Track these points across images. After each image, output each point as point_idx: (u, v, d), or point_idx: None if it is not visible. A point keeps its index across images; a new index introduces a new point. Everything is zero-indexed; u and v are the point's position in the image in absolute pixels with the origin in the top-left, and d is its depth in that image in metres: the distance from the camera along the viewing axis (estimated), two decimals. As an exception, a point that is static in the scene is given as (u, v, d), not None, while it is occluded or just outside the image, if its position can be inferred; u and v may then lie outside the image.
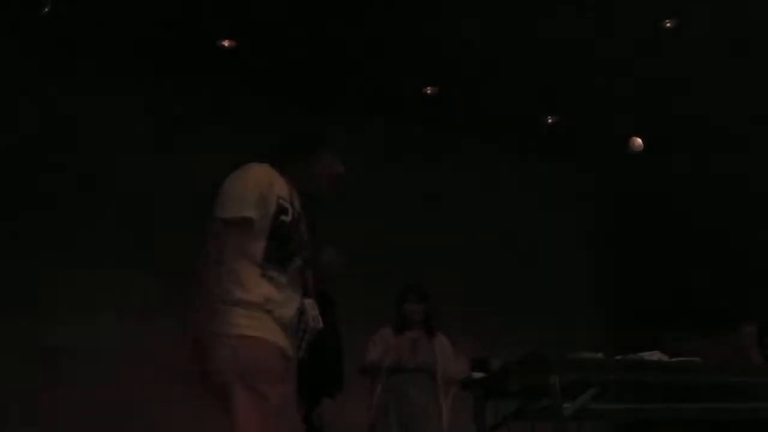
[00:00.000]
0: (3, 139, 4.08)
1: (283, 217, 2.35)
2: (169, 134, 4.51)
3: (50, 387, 3.88)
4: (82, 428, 3.78)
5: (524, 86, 5.11)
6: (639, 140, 3.34)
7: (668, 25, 4.45)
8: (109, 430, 3.86)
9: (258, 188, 2.37)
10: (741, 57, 4.77)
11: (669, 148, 5.53)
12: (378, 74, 4.89)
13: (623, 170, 5.90)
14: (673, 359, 2.81)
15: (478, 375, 2.82)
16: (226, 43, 4.45)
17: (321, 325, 2.34)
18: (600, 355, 2.68)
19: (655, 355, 2.80)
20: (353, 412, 3.35)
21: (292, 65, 4.72)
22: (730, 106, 5.14)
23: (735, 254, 5.36)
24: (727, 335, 3.05)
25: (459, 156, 5.53)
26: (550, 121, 5.52)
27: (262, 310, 2.31)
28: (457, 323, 4.12)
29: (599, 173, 6.15)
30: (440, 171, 5.43)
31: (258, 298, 2.31)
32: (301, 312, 2.35)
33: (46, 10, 3.94)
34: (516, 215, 5.57)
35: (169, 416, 3.89)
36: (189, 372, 2.18)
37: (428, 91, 5.07)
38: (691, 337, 3.01)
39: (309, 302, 2.37)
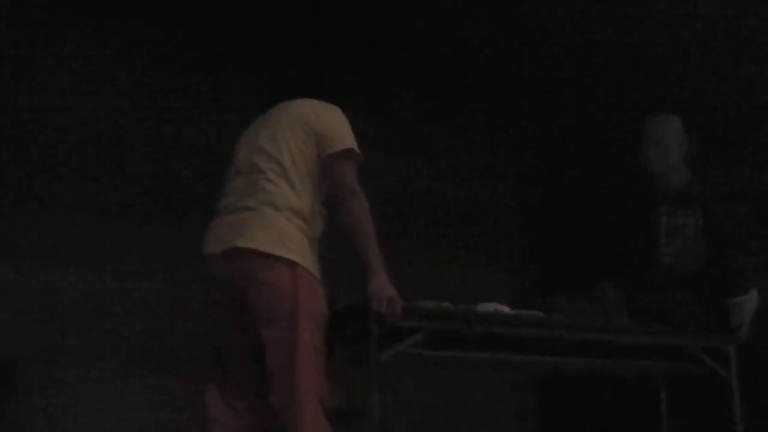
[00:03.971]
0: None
1: None
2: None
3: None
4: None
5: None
6: None
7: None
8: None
9: None
10: None
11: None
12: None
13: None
14: (512, 312, 2.80)
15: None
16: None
17: None
18: (430, 302, 2.69)
19: (490, 307, 2.78)
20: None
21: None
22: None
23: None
24: (592, 296, 3.05)
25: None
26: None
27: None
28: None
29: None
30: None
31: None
32: None
33: None
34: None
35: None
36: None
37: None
38: (562, 299, 3.02)
39: None
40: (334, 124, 2.46)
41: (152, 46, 4.53)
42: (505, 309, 2.81)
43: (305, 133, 2.43)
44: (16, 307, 3.89)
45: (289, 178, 2.39)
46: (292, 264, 2.29)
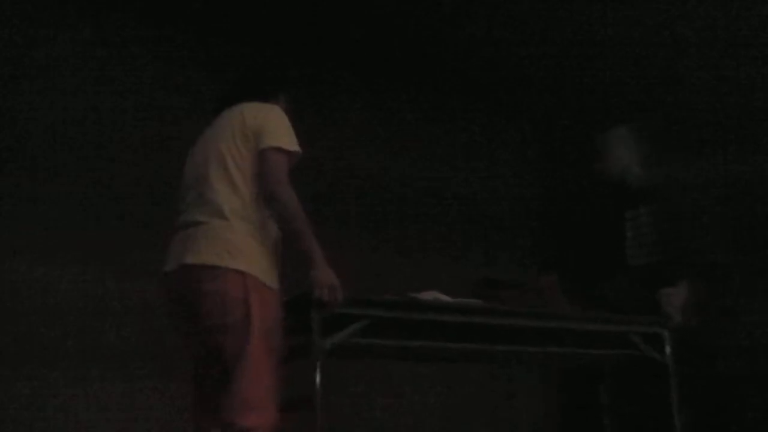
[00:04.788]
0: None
1: None
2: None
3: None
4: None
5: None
6: None
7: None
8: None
9: None
10: None
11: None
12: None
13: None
14: (452, 300, 2.86)
15: None
16: None
17: None
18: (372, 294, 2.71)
19: (430, 295, 2.83)
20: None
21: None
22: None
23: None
24: (534, 286, 3.17)
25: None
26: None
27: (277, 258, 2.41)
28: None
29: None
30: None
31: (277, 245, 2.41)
32: None
33: None
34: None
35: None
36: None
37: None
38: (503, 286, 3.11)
39: None
40: (267, 121, 2.45)
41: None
42: (445, 298, 2.87)
43: (243, 136, 2.43)
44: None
45: (234, 185, 2.38)
46: (240, 273, 2.28)
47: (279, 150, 2.40)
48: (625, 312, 3.20)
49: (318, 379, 2.48)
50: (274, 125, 2.44)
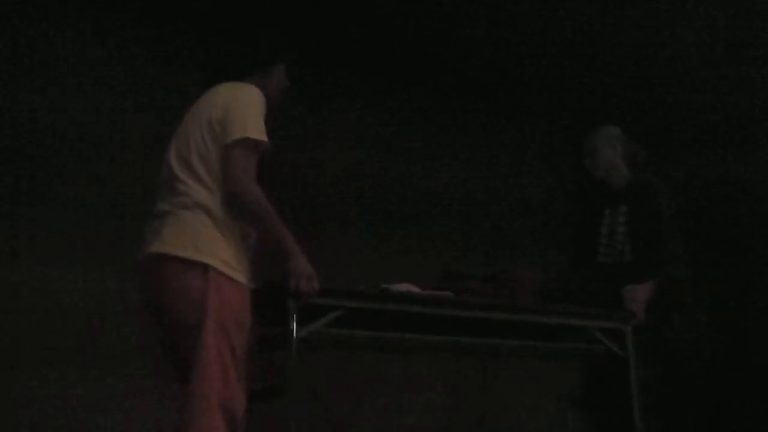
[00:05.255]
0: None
1: None
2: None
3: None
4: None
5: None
6: None
7: None
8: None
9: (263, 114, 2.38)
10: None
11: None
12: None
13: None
14: (425, 292, 2.91)
15: None
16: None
17: None
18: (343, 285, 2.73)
19: (403, 287, 2.87)
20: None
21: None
22: None
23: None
24: (505, 280, 3.22)
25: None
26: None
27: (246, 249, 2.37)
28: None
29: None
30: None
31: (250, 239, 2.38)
32: None
33: None
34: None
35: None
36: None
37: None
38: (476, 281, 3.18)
39: None
40: (232, 108, 2.36)
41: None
42: (416, 290, 2.90)
43: (209, 127, 2.37)
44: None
45: (199, 177, 2.33)
46: (204, 267, 2.24)
47: (243, 143, 2.31)
48: (584, 307, 3.28)
49: (293, 367, 2.50)
50: (239, 113, 2.35)
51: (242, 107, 2.37)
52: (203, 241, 2.27)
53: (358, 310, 2.68)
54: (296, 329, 2.50)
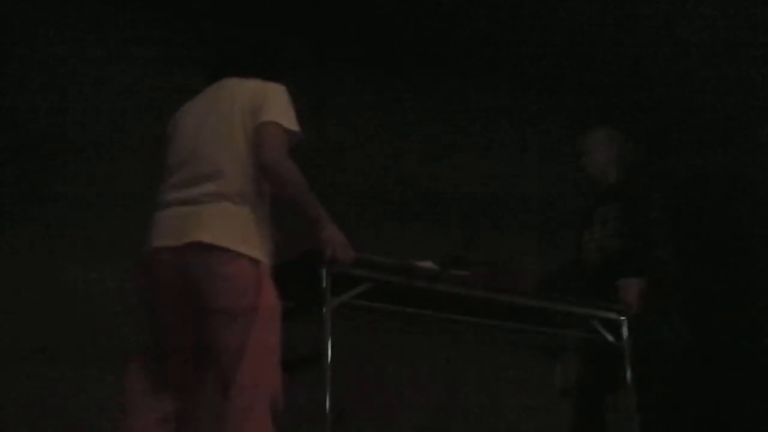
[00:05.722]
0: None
1: None
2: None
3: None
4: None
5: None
6: None
7: None
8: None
9: None
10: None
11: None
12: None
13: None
14: (446, 270, 2.97)
15: None
16: None
17: None
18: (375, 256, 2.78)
19: (427, 264, 2.94)
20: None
21: None
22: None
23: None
24: (501, 264, 3.31)
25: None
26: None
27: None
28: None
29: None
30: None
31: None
32: None
33: None
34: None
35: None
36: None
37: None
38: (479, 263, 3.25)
39: None
40: (269, 98, 2.37)
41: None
42: (435, 267, 2.97)
43: (250, 113, 2.34)
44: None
45: (242, 166, 2.30)
46: (254, 261, 2.23)
47: (276, 125, 2.31)
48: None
49: (327, 335, 2.53)
50: (276, 103, 2.36)
51: (276, 98, 2.38)
52: (252, 234, 2.26)
53: (385, 285, 2.74)
54: (331, 297, 2.55)
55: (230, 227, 2.23)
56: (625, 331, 3.31)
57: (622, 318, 3.32)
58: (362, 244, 2.61)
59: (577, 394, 3.60)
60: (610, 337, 3.29)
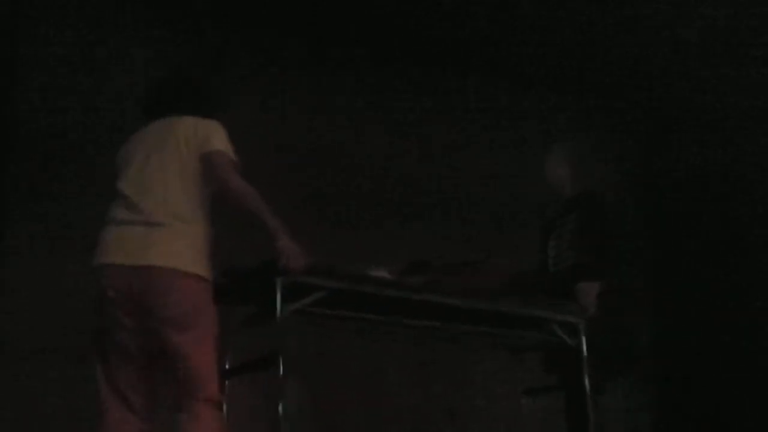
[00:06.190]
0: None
1: None
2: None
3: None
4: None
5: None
6: None
7: None
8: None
9: None
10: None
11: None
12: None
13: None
14: (397, 277, 3.07)
15: None
16: None
17: None
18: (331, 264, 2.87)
19: (380, 272, 3.02)
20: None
21: None
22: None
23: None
24: (467, 268, 3.43)
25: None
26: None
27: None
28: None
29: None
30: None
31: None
32: None
33: None
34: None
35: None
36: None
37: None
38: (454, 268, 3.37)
39: None
40: (211, 133, 2.64)
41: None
42: (387, 275, 3.04)
43: (193, 144, 2.62)
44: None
45: (185, 191, 2.58)
46: (199, 277, 2.50)
47: (223, 153, 2.59)
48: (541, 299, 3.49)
49: (281, 342, 2.67)
50: (218, 136, 2.62)
51: (217, 131, 2.65)
52: (201, 253, 2.53)
53: (339, 292, 2.83)
54: (284, 304, 2.67)
55: (178, 249, 2.49)
56: (581, 334, 3.41)
57: (579, 321, 3.43)
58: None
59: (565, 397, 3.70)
60: (568, 340, 3.40)
